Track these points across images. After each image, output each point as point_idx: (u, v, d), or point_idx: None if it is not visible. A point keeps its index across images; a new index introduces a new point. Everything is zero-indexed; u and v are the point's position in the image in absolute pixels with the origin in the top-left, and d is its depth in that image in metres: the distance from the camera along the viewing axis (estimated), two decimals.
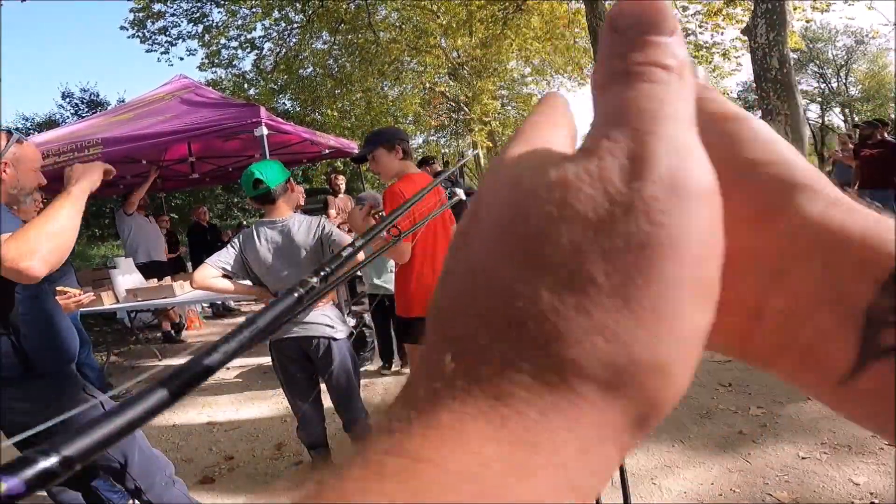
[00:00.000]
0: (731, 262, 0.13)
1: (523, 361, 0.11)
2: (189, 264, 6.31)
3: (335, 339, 2.04)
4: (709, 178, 0.13)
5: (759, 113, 8.63)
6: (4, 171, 1.38)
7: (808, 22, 13.91)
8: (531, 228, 0.12)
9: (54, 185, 1.62)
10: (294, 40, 17.22)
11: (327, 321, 2.04)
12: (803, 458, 2.00)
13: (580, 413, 0.11)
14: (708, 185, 0.13)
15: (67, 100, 16.59)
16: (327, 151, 5.65)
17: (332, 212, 5.60)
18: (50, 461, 0.13)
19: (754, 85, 9.26)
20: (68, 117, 15.77)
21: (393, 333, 3.68)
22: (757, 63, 8.86)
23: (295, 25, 16.99)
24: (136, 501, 1.62)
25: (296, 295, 0.26)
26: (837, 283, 0.13)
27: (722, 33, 14.09)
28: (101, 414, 0.15)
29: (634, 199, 0.12)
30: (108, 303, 3.91)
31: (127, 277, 4.14)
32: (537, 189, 0.13)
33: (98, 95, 16.92)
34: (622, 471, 1.26)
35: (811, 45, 31.80)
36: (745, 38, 9.99)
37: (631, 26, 0.14)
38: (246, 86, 16.93)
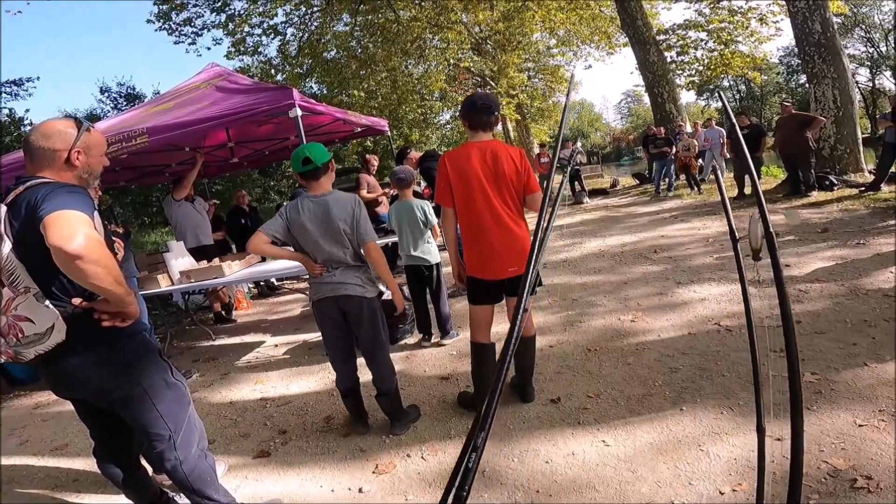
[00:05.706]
0: None
1: None
2: (233, 246, 6.54)
3: (366, 298, 2.34)
4: None
5: (804, 77, 8.11)
6: (77, 158, 1.48)
7: None
8: None
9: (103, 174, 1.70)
10: (315, 24, 17.19)
11: (359, 282, 2.33)
12: (860, 425, 1.91)
13: None
14: None
15: (106, 94, 17.22)
16: (359, 130, 5.70)
17: (364, 191, 5.80)
18: None
19: (797, 49, 8.73)
20: (108, 111, 16.35)
21: (430, 305, 3.71)
22: (797, 27, 8.43)
23: (315, 9, 16.93)
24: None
25: None
26: None
27: None
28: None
29: None
30: (164, 285, 4.12)
31: (180, 260, 4.34)
32: None
33: (134, 88, 17.51)
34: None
35: (855, 10, 29.94)
36: (783, 2, 9.35)
37: None
38: (273, 71, 17.07)
